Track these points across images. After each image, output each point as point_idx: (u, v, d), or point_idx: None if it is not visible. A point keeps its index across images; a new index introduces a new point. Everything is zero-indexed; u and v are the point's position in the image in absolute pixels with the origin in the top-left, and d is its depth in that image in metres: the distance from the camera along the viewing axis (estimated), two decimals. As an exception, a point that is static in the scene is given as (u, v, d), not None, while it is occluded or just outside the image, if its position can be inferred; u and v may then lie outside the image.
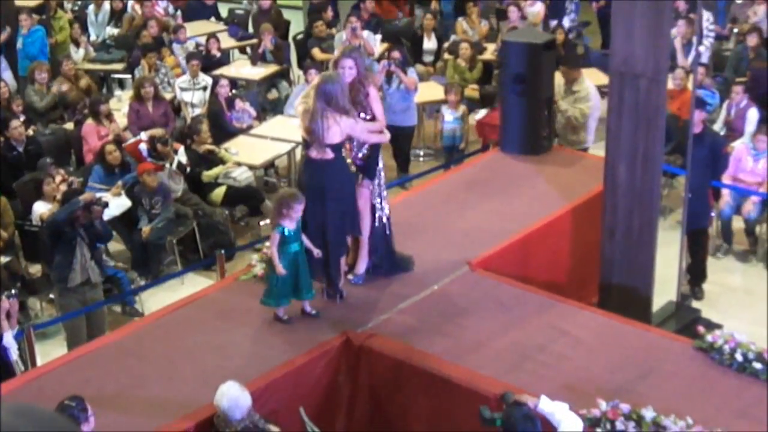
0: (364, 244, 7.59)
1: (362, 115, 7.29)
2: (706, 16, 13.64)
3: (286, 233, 6.86)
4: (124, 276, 9.62)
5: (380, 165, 7.57)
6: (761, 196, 10.18)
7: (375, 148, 7.46)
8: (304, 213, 6.91)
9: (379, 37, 13.93)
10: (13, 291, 8.15)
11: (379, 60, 12.76)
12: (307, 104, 7.02)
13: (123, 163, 10.67)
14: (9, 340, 7.59)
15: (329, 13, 15.18)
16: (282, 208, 6.84)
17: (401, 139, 11.92)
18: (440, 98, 12.64)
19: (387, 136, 7.55)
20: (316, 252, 7.06)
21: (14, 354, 7.73)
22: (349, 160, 7.24)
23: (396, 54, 11.82)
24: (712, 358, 6.61)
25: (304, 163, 7.35)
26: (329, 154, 7.03)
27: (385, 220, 7.65)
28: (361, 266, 7.61)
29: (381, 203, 7.60)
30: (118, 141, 11.06)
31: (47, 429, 2.00)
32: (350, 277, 7.58)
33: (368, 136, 7.27)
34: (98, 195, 9.43)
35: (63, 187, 9.63)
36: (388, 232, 7.71)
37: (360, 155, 7.39)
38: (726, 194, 10.38)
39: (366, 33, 13.36)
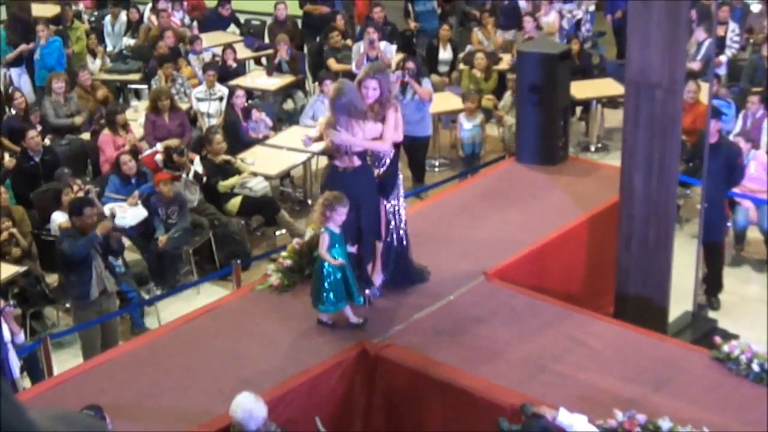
0: (379, 256, 7.60)
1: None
2: (732, 27, 13.62)
3: (334, 236, 6.90)
4: (135, 296, 9.55)
5: (399, 179, 7.55)
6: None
7: (392, 169, 7.43)
8: None
9: (394, 47, 13.94)
10: (11, 302, 8.25)
11: (393, 71, 12.77)
12: (330, 121, 7.06)
13: (140, 173, 10.70)
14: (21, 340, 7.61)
15: (341, 23, 15.20)
16: (326, 211, 6.85)
17: (416, 150, 11.94)
18: (455, 108, 12.66)
19: (386, 146, 7.33)
20: (354, 248, 7.14)
21: (16, 371, 7.75)
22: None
23: (410, 64, 11.83)
24: (729, 369, 6.58)
25: (329, 174, 7.28)
26: (356, 162, 7.10)
27: (401, 233, 7.63)
28: (378, 278, 7.62)
29: (396, 217, 7.57)
30: (135, 151, 11.10)
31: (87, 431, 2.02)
32: (366, 289, 7.58)
33: (363, 143, 7.13)
34: (113, 205, 9.47)
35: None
36: (404, 244, 7.68)
37: (378, 172, 7.37)
38: (748, 205, 10.29)
39: (383, 44, 13.37)
